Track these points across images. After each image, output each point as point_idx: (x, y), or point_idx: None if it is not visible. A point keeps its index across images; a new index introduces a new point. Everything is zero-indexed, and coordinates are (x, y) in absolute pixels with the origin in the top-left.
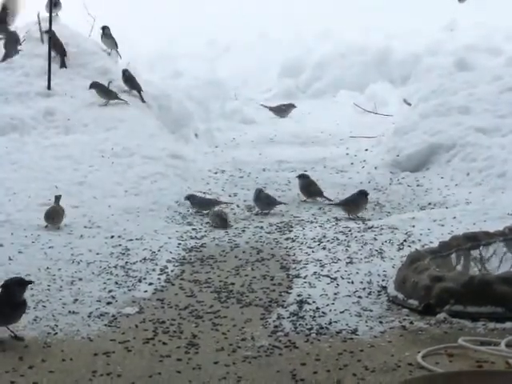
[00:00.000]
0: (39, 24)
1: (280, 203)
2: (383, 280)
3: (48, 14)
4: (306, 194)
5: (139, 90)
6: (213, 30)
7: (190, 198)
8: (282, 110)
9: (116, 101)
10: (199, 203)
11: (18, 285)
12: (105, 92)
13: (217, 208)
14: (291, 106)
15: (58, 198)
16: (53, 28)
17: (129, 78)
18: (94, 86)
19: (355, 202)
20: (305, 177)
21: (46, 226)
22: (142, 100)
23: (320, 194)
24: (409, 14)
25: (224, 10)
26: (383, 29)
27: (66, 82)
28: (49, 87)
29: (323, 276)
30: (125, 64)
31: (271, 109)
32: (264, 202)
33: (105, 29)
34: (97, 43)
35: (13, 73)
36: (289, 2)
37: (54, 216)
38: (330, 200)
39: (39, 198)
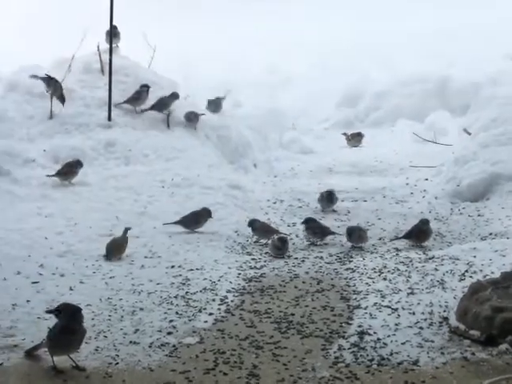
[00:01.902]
0: (99, 55)
1: (333, 233)
2: (444, 311)
3: (108, 45)
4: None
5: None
6: (273, 59)
7: (253, 223)
8: (353, 139)
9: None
10: (261, 228)
11: (70, 310)
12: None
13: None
14: (359, 135)
15: (126, 230)
16: (112, 59)
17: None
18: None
19: (423, 231)
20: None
21: (106, 257)
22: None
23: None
24: (470, 43)
25: (285, 40)
26: (444, 57)
27: (126, 113)
28: (109, 118)
29: (384, 307)
30: (184, 95)
31: (348, 137)
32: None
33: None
34: (156, 74)
35: (73, 104)
36: (349, 30)
37: (113, 248)
38: (339, 234)
39: (100, 228)
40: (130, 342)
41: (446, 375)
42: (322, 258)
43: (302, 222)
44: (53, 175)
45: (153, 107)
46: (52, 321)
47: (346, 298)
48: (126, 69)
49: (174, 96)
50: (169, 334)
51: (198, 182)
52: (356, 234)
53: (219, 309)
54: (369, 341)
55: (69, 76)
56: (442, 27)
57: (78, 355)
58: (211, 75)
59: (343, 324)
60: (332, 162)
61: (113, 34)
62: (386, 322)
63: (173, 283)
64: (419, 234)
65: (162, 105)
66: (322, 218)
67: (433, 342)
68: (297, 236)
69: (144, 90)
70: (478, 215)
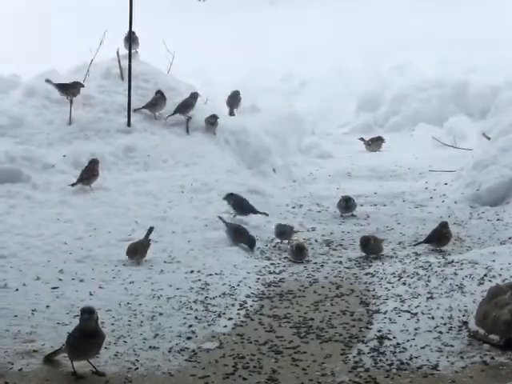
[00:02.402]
0: (119, 61)
1: (258, 212)
2: (464, 315)
3: (127, 51)
4: (238, 211)
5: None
6: (290, 65)
7: (229, 197)
8: (373, 145)
9: None
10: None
11: (87, 313)
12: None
13: (296, 240)
14: (380, 140)
15: (150, 230)
16: (132, 64)
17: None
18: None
19: (443, 235)
20: (232, 196)
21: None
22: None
23: (253, 210)
24: (488, 47)
25: (302, 45)
26: (462, 61)
27: (146, 119)
28: (129, 124)
29: (403, 311)
30: (203, 100)
31: (366, 142)
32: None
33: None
34: (175, 79)
35: (92, 109)
36: (367, 35)
37: (132, 252)
38: (266, 214)
39: (119, 233)
40: (150, 347)
41: (465, 379)
42: (341, 262)
43: (224, 198)
44: (75, 183)
45: (176, 111)
46: (72, 326)
47: (365, 303)
48: (146, 74)
49: (195, 96)
50: (188, 338)
51: (217, 187)
52: (370, 245)
53: (238, 314)
54: (388, 345)
55: (88, 81)
56: (460, 32)
57: (97, 360)
58: (229, 81)
59: (363, 329)
60: (351, 167)
61: (131, 39)
62: (405, 327)
63: (192, 288)
64: (440, 237)
65: (185, 107)
66: (342, 223)
67: (452, 346)
68: (316, 241)
69: (158, 95)
70: (498, 219)
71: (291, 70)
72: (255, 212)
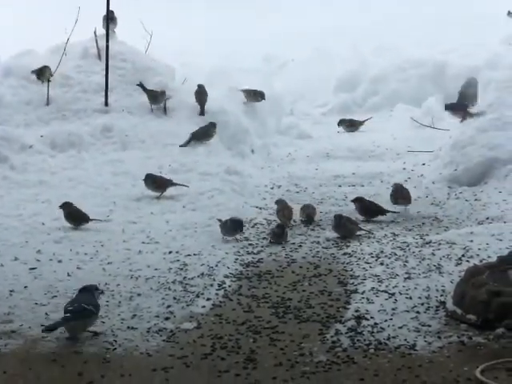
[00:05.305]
0: (96, 41)
1: (177, 184)
2: (441, 295)
3: (104, 31)
4: (158, 189)
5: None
6: (270, 45)
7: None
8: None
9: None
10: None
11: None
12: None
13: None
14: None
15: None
16: (109, 44)
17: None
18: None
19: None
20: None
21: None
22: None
23: (171, 183)
24: (467, 28)
25: (283, 29)
26: (441, 43)
27: (124, 99)
28: (106, 103)
29: (381, 291)
30: (181, 80)
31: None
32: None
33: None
34: (153, 59)
35: (70, 89)
36: (346, 16)
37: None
38: (184, 185)
39: (97, 214)
40: (128, 327)
41: (442, 359)
42: (319, 242)
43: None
44: None
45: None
46: (48, 307)
47: (343, 283)
48: (123, 54)
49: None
50: (166, 319)
51: (196, 167)
52: (340, 224)
53: (217, 294)
54: (366, 325)
55: (66, 61)
56: (437, 13)
57: (75, 341)
58: (207, 62)
59: (340, 309)
60: (330, 147)
61: (109, 19)
62: (383, 307)
63: (170, 268)
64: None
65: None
66: (320, 204)
67: (430, 326)
68: (294, 221)
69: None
70: (475, 199)
71: (272, 51)
72: (173, 184)
